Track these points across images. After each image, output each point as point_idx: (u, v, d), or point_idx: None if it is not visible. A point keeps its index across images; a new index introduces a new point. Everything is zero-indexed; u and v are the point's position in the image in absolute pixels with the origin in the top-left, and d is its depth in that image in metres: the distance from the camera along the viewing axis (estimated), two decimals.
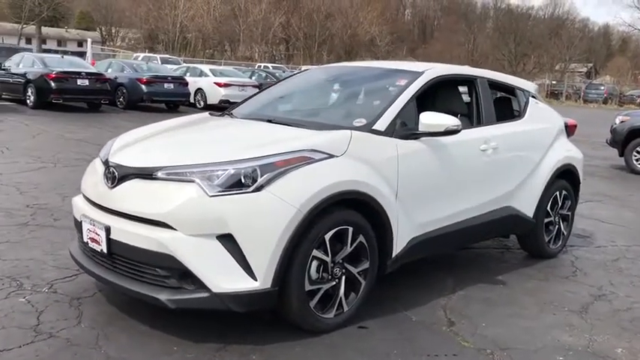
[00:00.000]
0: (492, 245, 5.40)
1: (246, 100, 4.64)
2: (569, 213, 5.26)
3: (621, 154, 11.50)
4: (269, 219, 2.96)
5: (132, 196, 3.12)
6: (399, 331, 3.42)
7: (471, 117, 4.37)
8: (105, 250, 3.14)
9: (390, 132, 3.60)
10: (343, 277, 3.33)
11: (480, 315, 3.75)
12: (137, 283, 3.06)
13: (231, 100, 18.12)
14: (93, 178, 3.48)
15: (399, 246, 3.61)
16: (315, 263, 3.17)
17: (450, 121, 3.64)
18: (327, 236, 3.18)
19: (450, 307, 3.86)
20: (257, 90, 18.48)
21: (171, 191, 3.01)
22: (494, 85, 4.67)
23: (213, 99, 18.88)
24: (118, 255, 3.12)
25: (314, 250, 3.13)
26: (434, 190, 3.83)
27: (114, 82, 16.70)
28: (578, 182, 5.31)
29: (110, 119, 14.33)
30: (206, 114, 4.40)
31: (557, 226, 5.11)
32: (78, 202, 3.53)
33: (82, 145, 9.76)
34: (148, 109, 17.40)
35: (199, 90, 19.32)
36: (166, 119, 4.32)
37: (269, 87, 4.88)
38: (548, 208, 4.93)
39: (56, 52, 34.80)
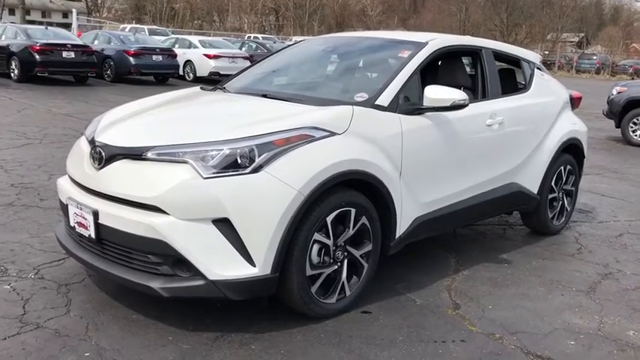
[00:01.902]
0: (493, 222, 5.27)
1: (239, 73, 4.41)
2: (573, 188, 5.12)
3: (618, 126, 11.38)
4: (268, 202, 2.78)
5: (120, 178, 2.92)
6: (404, 316, 3.28)
7: (476, 90, 4.17)
8: (93, 236, 2.96)
9: (393, 107, 3.41)
10: (345, 261, 3.17)
11: (485, 297, 3.62)
12: (128, 270, 2.88)
13: (221, 72, 17.81)
14: (79, 158, 3.27)
15: (402, 226, 3.45)
16: (316, 247, 3.00)
17: (456, 95, 3.45)
18: (329, 219, 3.01)
19: (455, 288, 3.73)
20: (247, 61, 18.42)
21: (163, 173, 2.82)
22: (499, 56, 4.47)
23: (202, 71, 18.52)
24: (108, 241, 2.93)
25: (315, 234, 2.96)
26: (438, 168, 3.66)
27: (101, 55, 16.30)
28: (583, 157, 5.16)
29: (97, 93, 13.98)
30: (197, 88, 4.17)
31: (560, 202, 4.97)
32: (63, 183, 3.33)
33: (68, 120, 9.48)
34: (136, 81, 17.03)
35: (188, 62, 18.93)
36: (155, 93, 4.10)
37: (263, 59, 4.64)
38: (553, 183, 4.78)
39: (40, 23, 33.97)
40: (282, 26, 58.94)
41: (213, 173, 2.76)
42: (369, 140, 3.21)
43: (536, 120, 4.52)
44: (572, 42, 68.93)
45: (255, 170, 2.78)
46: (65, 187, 3.27)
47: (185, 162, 2.80)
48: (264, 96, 3.62)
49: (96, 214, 2.91)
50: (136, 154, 2.92)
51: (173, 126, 3.19)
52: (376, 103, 3.37)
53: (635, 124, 11.19)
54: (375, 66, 4.02)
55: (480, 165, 4.01)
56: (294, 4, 57.30)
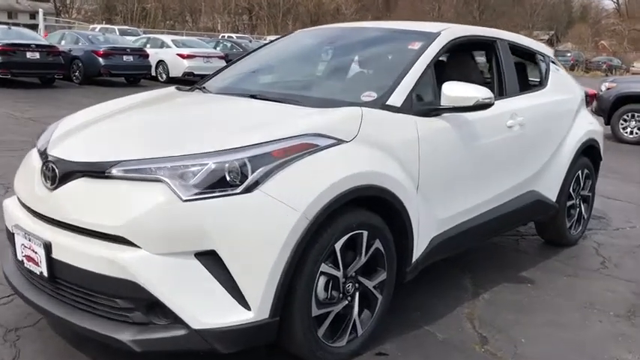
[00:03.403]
0: (505, 233, 4.77)
1: (220, 70, 3.83)
2: (590, 194, 4.67)
3: (607, 122, 11.03)
4: (265, 229, 2.22)
5: (79, 201, 2.33)
6: (426, 356, 2.76)
7: (492, 87, 3.66)
8: (45, 274, 2.37)
9: (407, 108, 2.88)
10: (357, 294, 2.63)
11: (514, 326, 3.11)
12: (90, 318, 2.30)
13: (195, 73, 17.16)
14: (28, 175, 2.67)
15: (419, 249, 2.93)
16: (322, 280, 2.46)
17: (480, 92, 2.94)
18: (338, 245, 2.47)
19: (477, 316, 3.22)
20: (223, 61, 17.74)
21: (132, 195, 2.24)
22: (514, 49, 3.97)
23: (176, 71, 17.82)
24: (64, 280, 2.35)
25: (322, 265, 2.42)
26: (458, 178, 3.15)
27: (68, 55, 15.48)
28: (600, 159, 4.71)
29: (65, 95, 13.21)
30: (172, 89, 3.58)
31: (578, 210, 4.50)
32: (10, 206, 2.72)
33: (32, 124, 8.75)
34: (106, 83, 16.26)
35: (161, 62, 18.20)
36: (126, 94, 3.50)
37: (246, 55, 4.07)
38: (571, 189, 4.31)
39: (6, 24, 32.73)
40: (255, 26, 58.14)
41: (196, 194, 2.19)
42: (382, 148, 2.67)
43: (555, 120, 4.04)
44: (542, 39, 69.45)
45: (249, 189, 2.22)
46: (12, 211, 2.66)
47: (159, 180, 2.23)
48: (253, 97, 3.07)
49: (48, 247, 2.32)
50: (98, 171, 2.34)
51: (144, 135, 2.61)
52: (387, 103, 2.84)
53: (625, 120, 10.87)
54: (381, 60, 3.47)
55: (501, 172, 3.51)
56: (267, 4, 56.56)
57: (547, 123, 3.93)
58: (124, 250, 2.18)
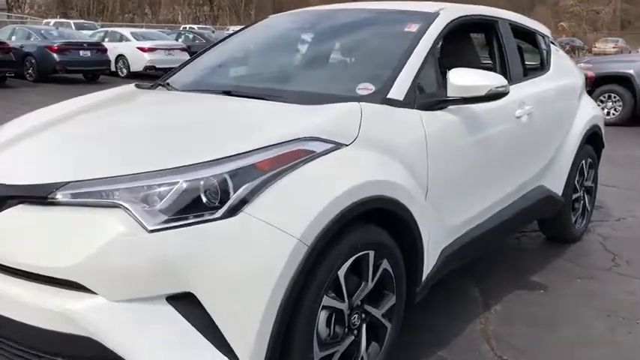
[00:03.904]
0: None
1: (185, 64, 3.33)
2: (593, 185, 4.33)
3: None
4: (254, 262, 1.77)
5: (15, 236, 1.84)
6: None
7: (496, 73, 3.26)
8: None
9: (410, 101, 2.45)
10: (364, 326, 2.20)
11: (537, 345, 2.74)
12: None
13: (157, 66, 16.51)
14: None
15: (429, 264, 2.52)
16: (324, 315, 2.02)
17: (493, 80, 2.54)
18: (342, 272, 2.03)
19: (493, 334, 2.83)
20: (186, 53, 17.05)
21: (82, 226, 1.77)
22: (515, 31, 3.57)
23: (137, 66, 17.09)
24: (2, 337, 1.86)
25: (324, 297, 1.98)
26: (467, 179, 2.74)
27: (20, 52, 14.62)
28: (602, 146, 4.38)
29: (18, 94, 12.44)
30: (132, 86, 3.08)
31: (582, 202, 4.17)
32: None
33: None
34: (62, 80, 15.45)
35: (120, 56, 17.43)
36: (84, 93, 3.00)
37: (214, 46, 3.56)
38: (575, 181, 3.97)
39: None
40: (217, 16, 57.00)
41: (164, 222, 1.73)
42: (387, 150, 2.24)
43: (561, 107, 3.68)
44: None
45: (231, 212, 1.77)
46: None
47: (118, 206, 1.76)
48: (227, 93, 2.60)
49: None
50: (39, 197, 1.85)
51: (98, 147, 2.11)
52: (388, 96, 2.40)
53: (602, 102, 10.68)
54: (374, 46, 2.99)
55: (511, 169, 3.12)
56: None
57: (553, 111, 3.55)
58: (75, 297, 1.71)
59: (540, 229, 4.21)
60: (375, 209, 2.12)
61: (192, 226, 1.73)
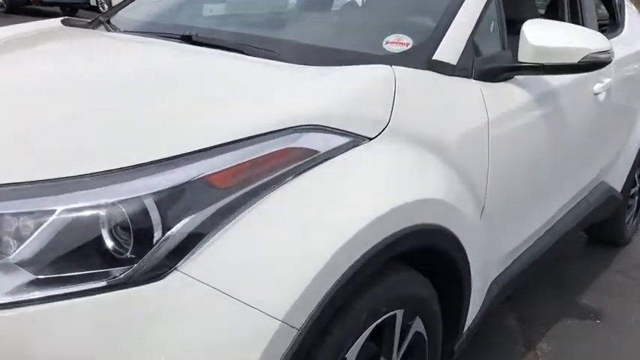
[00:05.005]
0: None
1: None
2: None
3: None
4: None
5: None
6: None
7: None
8: None
9: (466, 66, 1.58)
10: None
11: None
12: None
13: None
14: None
15: (474, 308, 1.71)
16: None
17: (592, 40, 1.66)
18: (353, 353, 1.21)
19: None
20: None
21: None
22: None
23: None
24: None
25: None
26: (534, 183, 1.91)
27: None
28: None
29: None
30: (57, 21, 2.17)
31: (637, 198, 3.37)
32: None
33: None
34: (37, 13, 14.18)
35: None
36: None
37: None
38: (636, 174, 3.17)
39: None
40: None
41: (23, 291, 0.89)
42: (433, 147, 1.39)
43: (637, 80, 2.81)
44: None
45: (156, 272, 0.92)
46: None
47: None
48: (187, 39, 1.71)
49: None
50: None
51: None
52: (435, 57, 1.53)
53: None
54: None
55: (582, 165, 2.31)
56: None
57: (630, 86, 2.70)
58: None
59: (584, 230, 3.40)
60: (413, 249, 1.29)
61: (78, 300, 0.89)
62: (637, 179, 3.26)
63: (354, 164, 1.18)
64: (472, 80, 1.58)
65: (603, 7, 3.09)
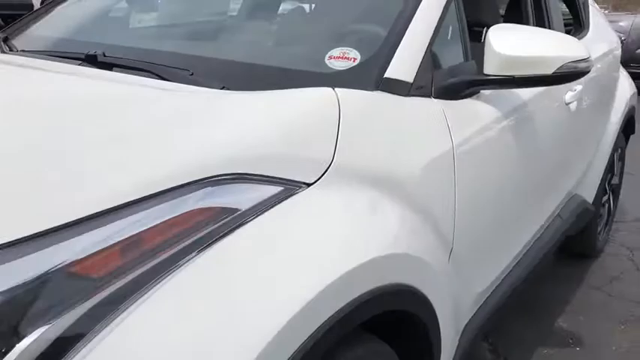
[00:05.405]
0: None
1: (45, 6, 2.06)
2: (619, 182, 3.37)
3: None
4: None
5: None
6: None
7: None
8: None
9: (425, 84, 1.34)
10: None
11: None
12: None
13: None
14: None
15: (448, 356, 1.46)
16: None
17: (569, 47, 1.44)
18: None
19: None
20: None
21: None
22: None
23: None
24: None
25: None
26: (505, 212, 1.67)
27: None
28: (633, 132, 3.40)
29: None
30: None
31: (607, 206, 3.21)
32: None
33: None
34: None
35: None
36: None
37: None
38: (606, 182, 3.00)
39: None
40: None
41: None
42: (390, 185, 1.13)
43: (606, 85, 2.65)
44: None
45: None
46: None
47: None
48: (91, 59, 1.41)
49: None
50: None
51: None
52: (388, 75, 1.27)
53: None
54: None
55: (556, 184, 2.09)
56: None
57: (599, 91, 2.52)
58: None
59: None
60: (371, 317, 1.03)
61: None
62: (607, 187, 3.09)
63: (287, 222, 0.91)
64: (432, 99, 1.34)
65: (564, 6, 2.92)
